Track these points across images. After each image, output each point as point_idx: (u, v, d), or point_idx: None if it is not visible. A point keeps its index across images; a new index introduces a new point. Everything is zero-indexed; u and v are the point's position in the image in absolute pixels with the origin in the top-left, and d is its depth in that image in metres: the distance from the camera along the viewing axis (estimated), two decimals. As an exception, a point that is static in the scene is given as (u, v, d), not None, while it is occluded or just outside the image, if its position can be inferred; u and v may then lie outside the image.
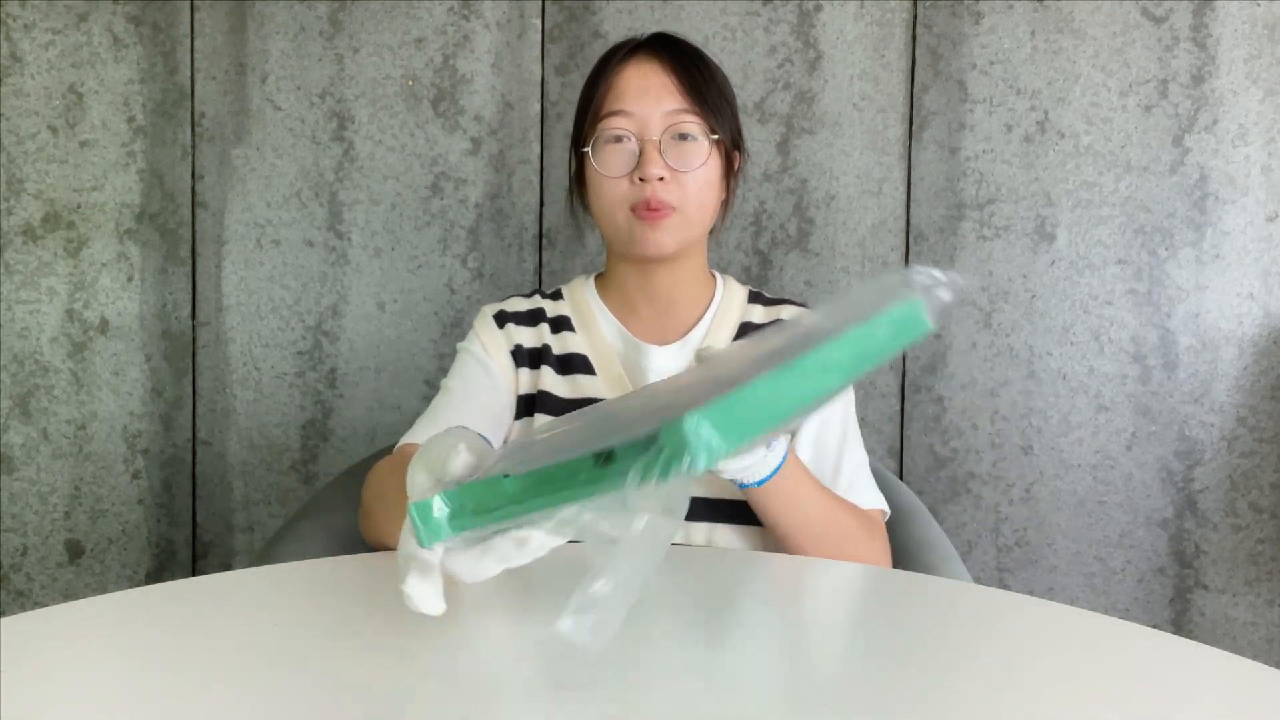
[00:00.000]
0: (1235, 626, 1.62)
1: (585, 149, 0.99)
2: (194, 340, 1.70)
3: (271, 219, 1.69)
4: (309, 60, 1.67)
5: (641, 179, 0.95)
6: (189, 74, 1.68)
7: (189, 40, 1.68)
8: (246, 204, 1.69)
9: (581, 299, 1.06)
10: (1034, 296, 1.63)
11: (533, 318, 1.05)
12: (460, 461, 0.55)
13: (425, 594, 0.53)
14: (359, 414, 1.69)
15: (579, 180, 1.04)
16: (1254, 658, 0.59)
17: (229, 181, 1.69)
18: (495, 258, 1.68)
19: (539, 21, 1.66)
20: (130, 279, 1.69)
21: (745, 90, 1.64)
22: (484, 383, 0.99)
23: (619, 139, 0.97)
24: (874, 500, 0.96)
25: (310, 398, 1.70)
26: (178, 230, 1.69)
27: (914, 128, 1.64)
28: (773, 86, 1.64)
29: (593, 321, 1.04)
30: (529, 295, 1.08)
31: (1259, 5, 1.57)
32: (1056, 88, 1.61)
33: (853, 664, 0.57)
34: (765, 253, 1.65)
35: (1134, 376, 1.61)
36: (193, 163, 1.69)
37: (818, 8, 1.63)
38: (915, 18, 1.63)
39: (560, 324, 1.05)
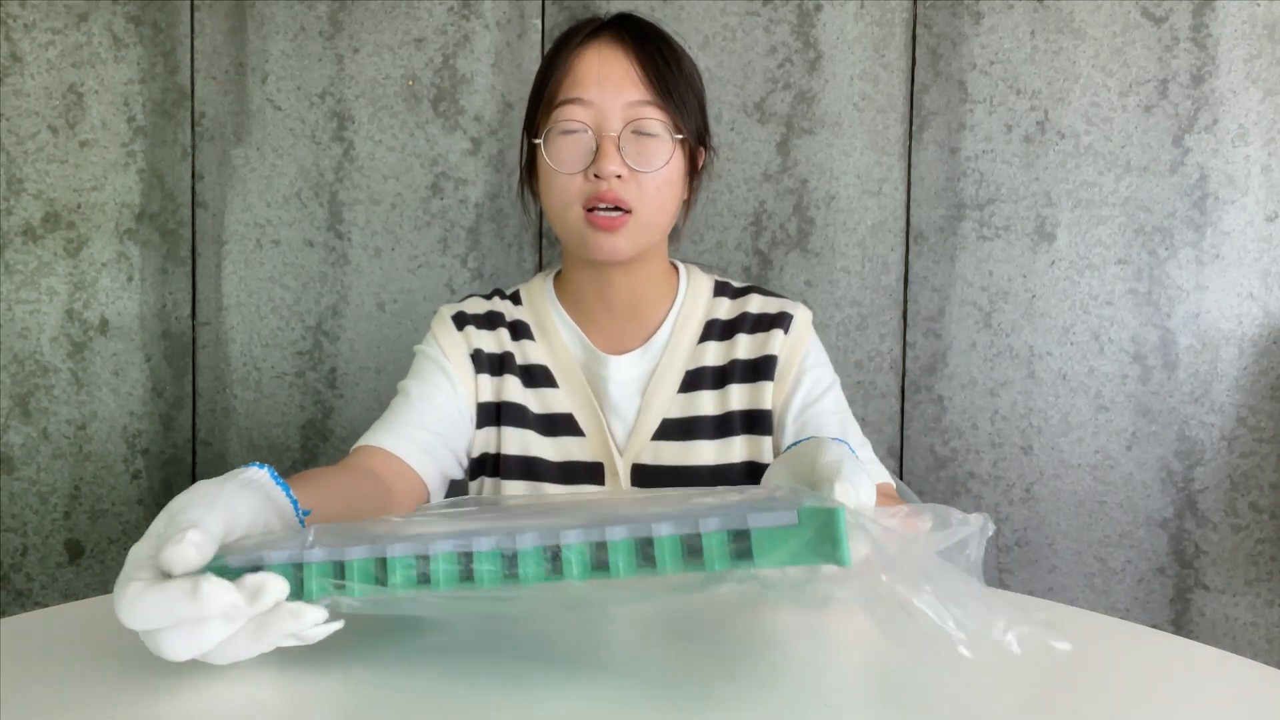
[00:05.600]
0: (1235, 626, 1.62)
1: (537, 140, 0.92)
2: (194, 340, 1.70)
3: (271, 219, 1.69)
4: (309, 60, 1.67)
5: (597, 175, 0.88)
6: (189, 74, 1.68)
7: (189, 40, 1.68)
8: (246, 204, 1.69)
9: (541, 304, 1.01)
10: (1034, 296, 1.63)
11: (491, 321, 0.99)
12: (175, 554, 0.45)
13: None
14: (359, 414, 1.69)
15: (530, 170, 0.97)
16: (1254, 658, 0.59)
17: (229, 181, 1.69)
18: (495, 258, 1.68)
19: (539, 21, 1.66)
20: (130, 279, 1.69)
21: (745, 90, 1.64)
22: (443, 385, 0.94)
23: (573, 130, 0.89)
24: (881, 474, 0.90)
25: (310, 398, 1.70)
26: (178, 230, 1.69)
27: (914, 128, 1.64)
28: (773, 86, 1.64)
29: (552, 329, 0.99)
30: (488, 297, 1.02)
31: (1259, 5, 1.57)
32: (1056, 88, 1.61)
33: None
34: (765, 253, 1.65)
35: (1134, 376, 1.61)
36: (193, 163, 1.69)
37: (818, 8, 1.63)
38: (915, 18, 1.63)
39: (519, 330, 0.99)
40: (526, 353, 0.99)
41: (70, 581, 1.71)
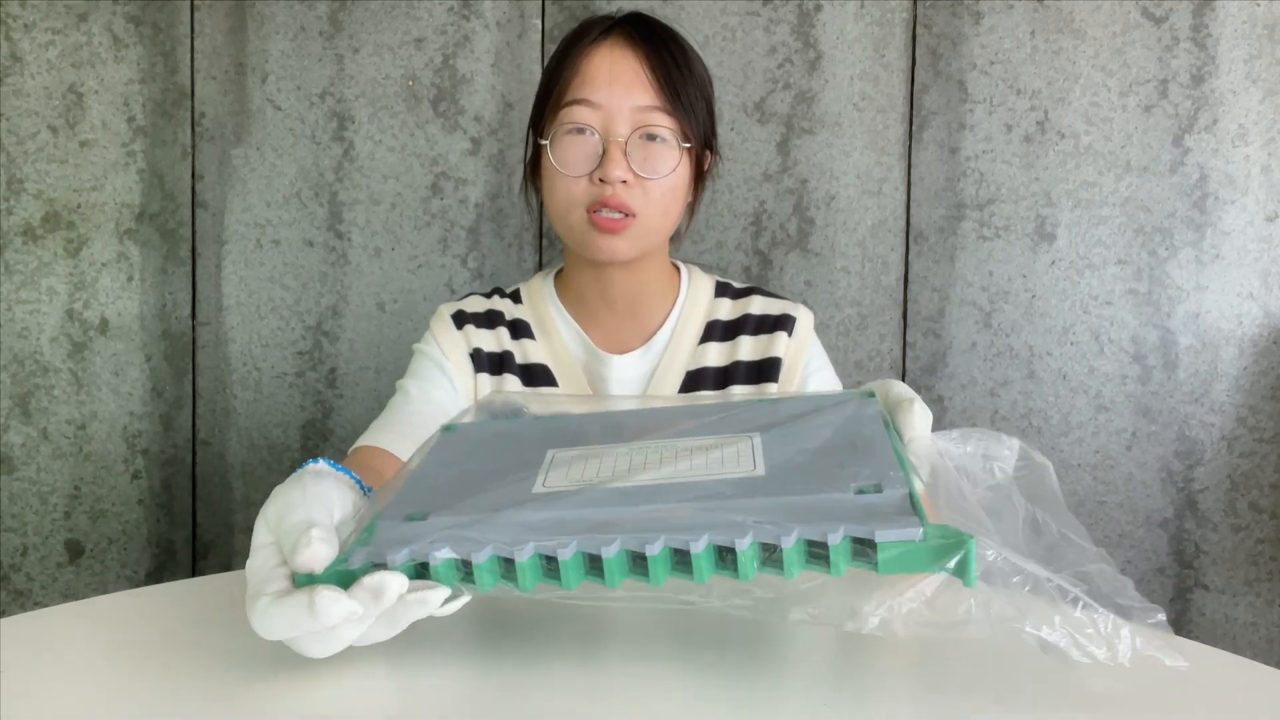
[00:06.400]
0: (1235, 626, 1.62)
1: (543, 140, 0.91)
2: (194, 340, 1.70)
3: (271, 219, 1.69)
4: (309, 60, 1.67)
5: (602, 180, 0.88)
6: (189, 74, 1.68)
7: (189, 40, 1.68)
8: (246, 204, 1.69)
9: (541, 303, 1.00)
10: (1034, 296, 1.63)
11: (490, 320, 0.99)
12: (310, 555, 0.47)
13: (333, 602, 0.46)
14: (359, 414, 1.69)
15: (534, 168, 0.97)
16: (1254, 658, 0.59)
17: (229, 181, 1.69)
18: (495, 258, 1.68)
19: (539, 21, 1.66)
20: (130, 279, 1.69)
21: (745, 90, 1.64)
22: (441, 383, 0.94)
23: (581, 132, 0.89)
24: None
25: (310, 398, 1.70)
26: (178, 230, 1.69)
27: (914, 128, 1.64)
28: (773, 86, 1.64)
29: (553, 328, 0.99)
30: (488, 295, 1.02)
31: (1259, 5, 1.57)
32: (1056, 88, 1.61)
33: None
34: (765, 253, 1.65)
35: (1134, 376, 1.61)
36: (193, 163, 1.69)
37: (818, 8, 1.63)
38: (915, 18, 1.63)
39: (520, 329, 0.99)
40: (526, 351, 0.99)
41: (70, 581, 1.71)
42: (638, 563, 0.48)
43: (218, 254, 1.70)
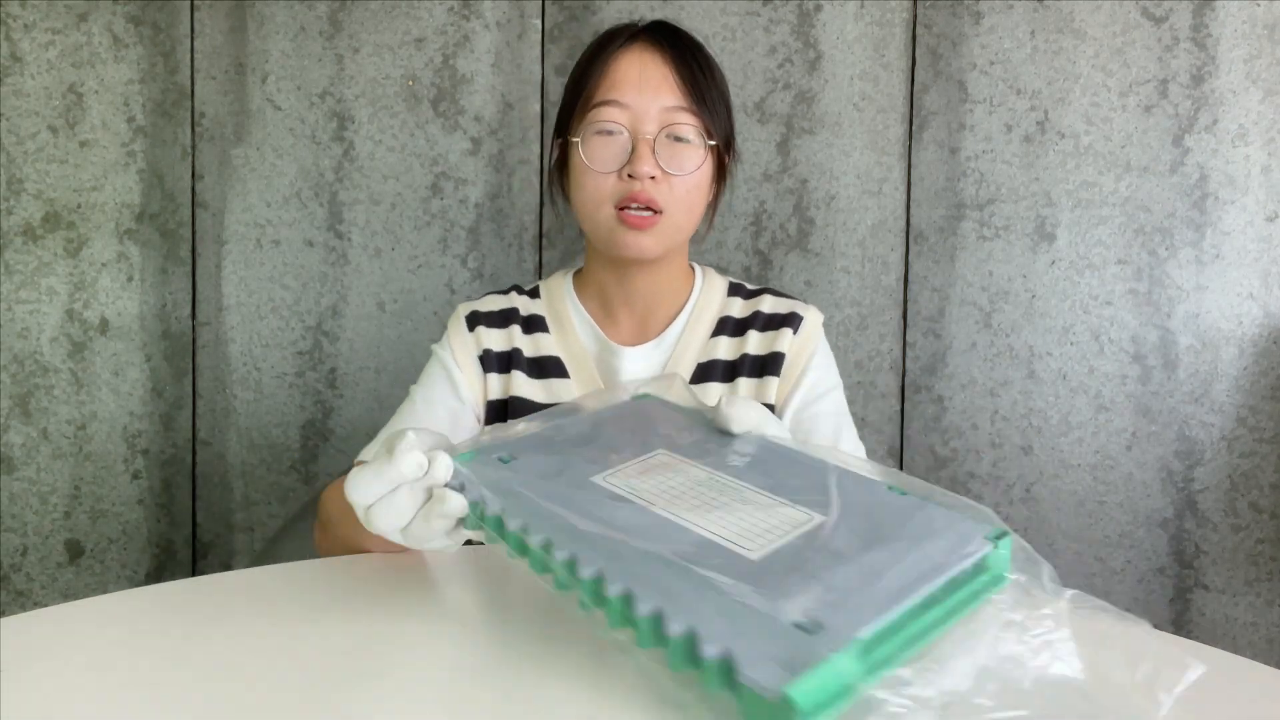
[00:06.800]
0: (1235, 626, 1.62)
1: (574, 139, 0.94)
2: (194, 340, 1.70)
3: (271, 219, 1.69)
4: (309, 60, 1.67)
5: (631, 175, 0.91)
6: (189, 74, 1.68)
7: (189, 40, 1.68)
8: (246, 204, 1.69)
9: (559, 299, 1.04)
10: (1034, 296, 1.63)
11: (504, 319, 1.02)
12: (407, 460, 0.56)
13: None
14: (359, 414, 1.69)
15: (560, 168, 1.00)
16: (1254, 658, 0.59)
17: (229, 181, 1.69)
18: (495, 258, 1.68)
19: (539, 21, 1.66)
20: (130, 279, 1.69)
21: (745, 90, 1.64)
22: (446, 390, 0.97)
23: (610, 131, 0.92)
24: None
25: (310, 398, 1.70)
26: (178, 230, 1.69)
27: (914, 128, 1.64)
28: (773, 86, 1.64)
29: (568, 323, 1.02)
30: (505, 292, 1.05)
31: (1259, 5, 1.57)
32: (1056, 88, 1.61)
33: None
34: (765, 253, 1.65)
35: (1134, 376, 1.61)
36: (193, 163, 1.69)
37: (818, 8, 1.63)
38: (915, 18, 1.63)
39: (534, 324, 1.02)
40: (539, 345, 1.01)
41: (70, 581, 1.71)
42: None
43: (218, 254, 1.70)
